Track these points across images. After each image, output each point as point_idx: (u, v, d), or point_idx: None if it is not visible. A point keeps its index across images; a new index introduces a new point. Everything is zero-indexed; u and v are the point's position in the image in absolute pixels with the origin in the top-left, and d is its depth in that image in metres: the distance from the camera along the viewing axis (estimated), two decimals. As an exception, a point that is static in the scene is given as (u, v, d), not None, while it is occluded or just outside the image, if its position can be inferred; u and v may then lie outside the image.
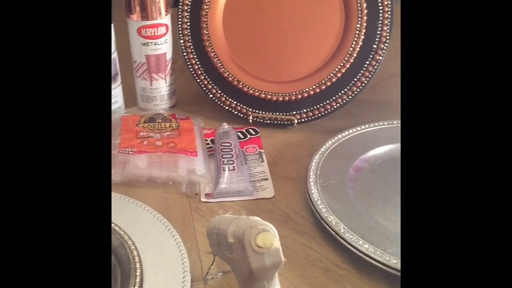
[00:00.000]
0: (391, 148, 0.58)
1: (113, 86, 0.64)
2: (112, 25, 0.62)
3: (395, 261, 0.42)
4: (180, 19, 0.65)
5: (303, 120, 0.64)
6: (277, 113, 0.65)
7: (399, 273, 0.42)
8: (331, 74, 0.63)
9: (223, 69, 0.65)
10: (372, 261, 0.43)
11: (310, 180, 0.52)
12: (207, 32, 0.65)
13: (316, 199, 0.49)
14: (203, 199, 0.53)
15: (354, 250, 0.44)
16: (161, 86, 0.67)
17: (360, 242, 0.44)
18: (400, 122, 0.61)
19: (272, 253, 0.33)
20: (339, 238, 0.45)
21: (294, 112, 0.64)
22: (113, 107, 0.65)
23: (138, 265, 0.42)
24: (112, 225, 0.46)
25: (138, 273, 0.41)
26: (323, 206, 0.48)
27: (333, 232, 0.46)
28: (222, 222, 0.38)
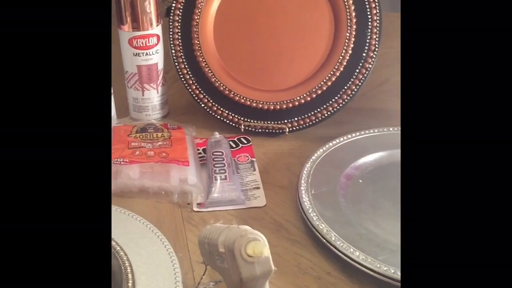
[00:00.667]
0: (382, 155, 0.58)
1: (104, 96, 0.64)
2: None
3: (386, 268, 0.42)
4: (171, 29, 0.66)
5: (294, 128, 0.65)
6: (268, 122, 0.65)
7: (390, 280, 0.42)
8: (322, 83, 0.64)
9: (214, 78, 0.65)
10: (363, 269, 0.43)
11: (302, 188, 0.52)
12: (198, 42, 0.65)
13: (307, 207, 0.50)
14: (195, 209, 0.53)
15: (345, 258, 0.44)
16: (153, 96, 0.67)
17: (351, 250, 0.44)
18: (398, 128, 0.62)
19: (262, 262, 0.33)
20: (330, 246, 0.45)
21: (286, 121, 0.65)
22: (105, 117, 0.65)
23: (130, 276, 0.42)
24: (104, 236, 0.46)
25: (130, 284, 0.41)
26: (314, 214, 0.49)
27: (324, 240, 0.46)
28: (213, 231, 0.38)
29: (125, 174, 0.55)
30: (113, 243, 0.46)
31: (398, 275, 0.42)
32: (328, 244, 0.46)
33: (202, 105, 0.66)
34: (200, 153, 0.61)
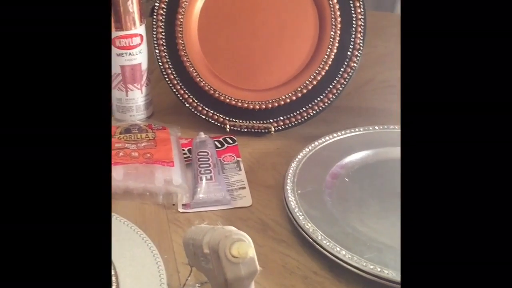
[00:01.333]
0: (368, 154, 0.58)
1: (88, 97, 0.63)
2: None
3: (372, 267, 0.42)
4: (155, 29, 0.65)
5: (280, 128, 0.64)
6: (254, 122, 0.65)
7: (376, 279, 0.42)
8: (307, 82, 0.64)
9: (199, 78, 0.65)
10: (350, 267, 0.43)
11: (287, 187, 0.52)
12: (182, 42, 0.65)
13: (293, 206, 0.49)
14: (180, 210, 0.52)
15: (332, 257, 0.44)
16: (137, 96, 0.66)
17: (337, 249, 0.44)
18: (383, 126, 0.62)
19: (247, 262, 0.33)
20: (317, 245, 0.45)
21: (271, 120, 0.65)
22: (88, 118, 0.64)
23: (114, 278, 0.42)
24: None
25: (114, 287, 0.41)
26: (301, 213, 0.48)
27: (310, 240, 0.46)
28: (198, 232, 0.37)
29: (109, 175, 0.54)
30: (97, 245, 0.45)
31: (384, 273, 0.42)
32: (315, 244, 0.45)
33: (187, 105, 0.66)
34: (185, 154, 0.60)
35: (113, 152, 0.56)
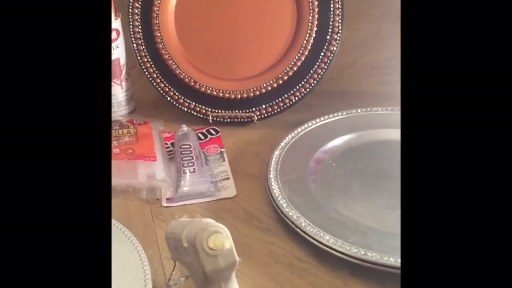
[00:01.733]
0: (351, 137, 0.58)
1: (67, 96, 0.63)
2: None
3: (356, 250, 0.42)
4: (131, 23, 0.64)
5: (263, 116, 0.64)
6: (236, 111, 0.64)
7: (361, 262, 0.42)
8: (288, 68, 0.63)
9: (179, 70, 0.64)
10: (334, 252, 0.43)
11: (271, 176, 0.52)
12: (159, 34, 0.64)
13: (276, 194, 0.49)
14: (164, 204, 0.52)
15: (316, 243, 0.44)
16: (117, 92, 0.66)
17: (321, 234, 0.44)
18: (366, 109, 0.62)
19: (225, 254, 0.33)
20: (301, 232, 0.45)
21: (254, 109, 0.64)
22: (69, 117, 0.64)
23: (98, 277, 0.41)
24: (71, 238, 0.45)
25: (97, 285, 0.40)
26: (284, 201, 0.48)
27: (294, 227, 0.46)
28: (178, 226, 0.37)
29: (91, 173, 0.53)
30: (80, 245, 0.45)
31: (368, 256, 0.41)
32: (299, 230, 0.45)
33: (168, 98, 0.65)
34: (168, 148, 0.60)
35: (94, 150, 0.56)
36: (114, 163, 0.54)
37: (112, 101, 0.66)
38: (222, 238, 0.32)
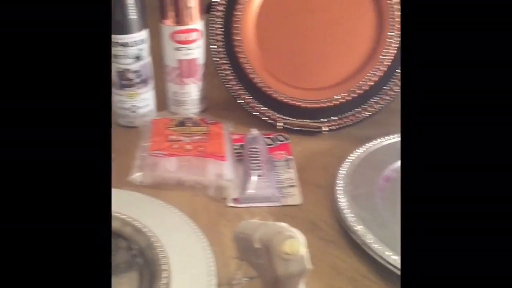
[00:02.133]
0: (422, 158, 0.57)
1: (145, 89, 0.65)
2: (147, 30, 0.63)
3: (424, 274, 0.41)
4: (212, 25, 0.66)
5: (332, 128, 0.64)
6: (306, 120, 0.64)
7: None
8: (362, 82, 0.63)
9: (254, 75, 0.65)
10: (399, 272, 0.42)
11: (338, 188, 0.52)
12: (239, 38, 0.65)
13: (343, 207, 0.49)
14: (230, 204, 0.53)
15: (381, 261, 0.43)
16: (192, 90, 0.68)
17: (387, 253, 0.43)
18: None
19: (298, 260, 0.33)
20: (366, 248, 0.45)
21: (324, 120, 0.64)
22: (145, 110, 0.66)
23: (165, 266, 0.43)
24: (141, 226, 0.47)
25: (165, 275, 0.42)
26: (351, 215, 0.48)
27: (360, 242, 0.45)
28: (249, 227, 0.38)
29: (163, 166, 0.55)
30: (149, 233, 0.46)
31: (436, 281, 0.40)
32: (364, 247, 0.45)
33: (240, 101, 0.66)
34: (236, 149, 0.61)
35: (167, 144, 0.58)
36: (185, 158, 0.56)
37: (186, 99, 0.68)
38: (298, 244, 0.32)
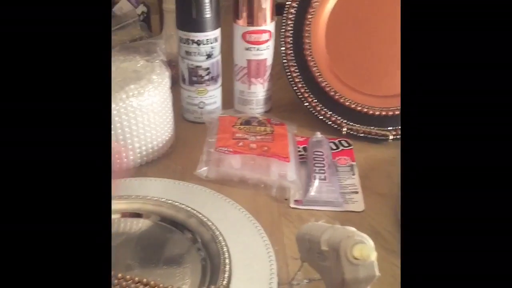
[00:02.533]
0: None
1: (214, 87, 0.67)
2: (219, 29, 0.64)
3: None
4: (283, 27, 0.67)
5: (398, 136, 0.63)
6: (372, 127, 0.64)
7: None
8: (433, 92, 0.61)
9: (321, 78, 0.65)
10: None
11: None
12: (308, 41, 0.66)
13: (408, 218, 0.48)
14: (292, 205, 0.53)
15: (447, 276, 0.42)
16: (259, 90, 0.68)
17: (454, 268, 0.42)
18: None
19: (367, 266, 0.33)
20: (431, 261, 0.44)
21: (390, 128, 0.63)
22: (212, 107, 0.68)
23: (227, 261, 0.43)
24: (205, 219, 0.48)
25: (227, 269, 0.42)
26: (416, 226, 0.47)
27: (425, 254, 0.44)
28: (315, 229, 0.38)
29: (228, 163, 0.56)
30: (213, 227, 0.47)
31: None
32: (429, 259, 0.44)
33: (306, 103, 0.66)
34: (300, 151, 0.61)
35: (233, 141, 0.59)
36: (250, 157, 0.57)
37: (252, 98, 0.69)
38: (368, 249, 0.32)
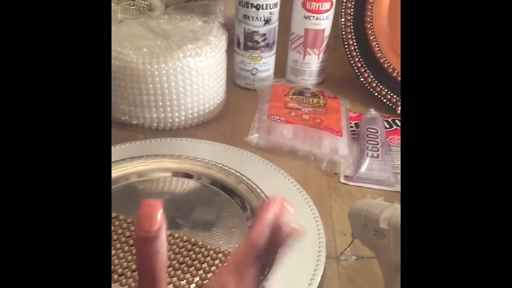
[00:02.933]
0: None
1: (268, 54, 0.65)
2: (279, -6, 0.63)
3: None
4: (345, -3, 0.64)
5: (456, 120, 0.60)
6: (428, 109, 0.61)
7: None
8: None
9: (380, 53, 0.63)
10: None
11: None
12: (370, 14, 0.63)
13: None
14: (342, 180, 0.52)
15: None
16: (313, 61, 0.67)
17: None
18: None
19: (429, 248, 0.31)
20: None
21: (448, 111, 0.61)
22: (265, 74, 0.67)
23: (276, 229, 0.43)
24: (254, 186, 0.48)
25: (276, 237, 0.42)
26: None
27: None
28: (373, 206, 0.37)
29: (279, 132, 0.55)
30: (262, 194, 0.47)
31: None
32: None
33: (361, 78, 0.64)
34: (351, 127, 0.60)
35: (285, 111, 0.58)
36: (302, 127, 0.56)
37: (305, 69, 0.67)
38: (433, 232, 0.31)
